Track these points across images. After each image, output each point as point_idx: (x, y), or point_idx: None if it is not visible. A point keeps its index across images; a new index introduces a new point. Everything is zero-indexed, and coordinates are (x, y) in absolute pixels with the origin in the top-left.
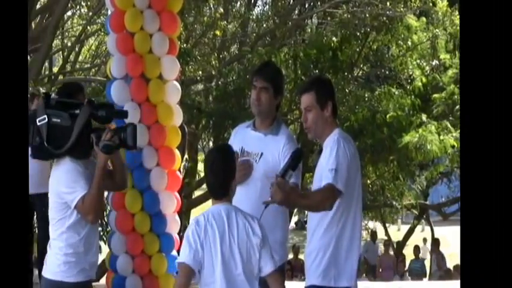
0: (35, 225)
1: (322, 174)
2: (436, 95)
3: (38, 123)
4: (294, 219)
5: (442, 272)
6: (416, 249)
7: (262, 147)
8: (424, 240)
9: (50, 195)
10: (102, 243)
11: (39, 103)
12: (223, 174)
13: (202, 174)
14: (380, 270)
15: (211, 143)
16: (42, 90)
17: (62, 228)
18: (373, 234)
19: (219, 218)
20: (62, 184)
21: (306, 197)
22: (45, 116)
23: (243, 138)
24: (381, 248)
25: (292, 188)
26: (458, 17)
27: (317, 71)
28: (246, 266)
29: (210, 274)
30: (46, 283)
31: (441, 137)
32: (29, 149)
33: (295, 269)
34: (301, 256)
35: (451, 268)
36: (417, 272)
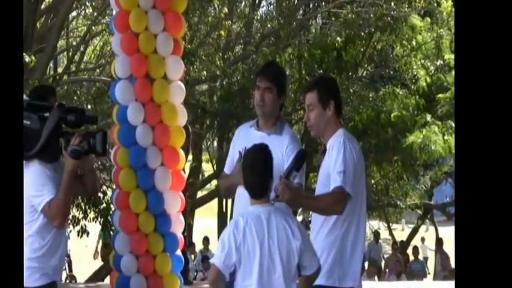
0: None
1: (330, 176)
2: (440, 95)
3: None
4: (299, 218)
5: (447, 272)
6: (416, 250)
7: None
8: (422, 239)
9: None
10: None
11: None
12: (264, 173)
13: (206, 175)
14: (387, 271)
15: (215, 143)
16: None
17: (28, 232)
18: (376, 234)
19: (259, 222)
20: (30, 187)
21: (316, 198)
22: None
23: (247, 138)
24: (386, 248)
25: (297, 188)
26: None
27: (321, 71)
28: (285, 269)
29: (246, 277)
30: None
31: (445, 137)
32: None
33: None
34: None
35: None
36: (418, 273)
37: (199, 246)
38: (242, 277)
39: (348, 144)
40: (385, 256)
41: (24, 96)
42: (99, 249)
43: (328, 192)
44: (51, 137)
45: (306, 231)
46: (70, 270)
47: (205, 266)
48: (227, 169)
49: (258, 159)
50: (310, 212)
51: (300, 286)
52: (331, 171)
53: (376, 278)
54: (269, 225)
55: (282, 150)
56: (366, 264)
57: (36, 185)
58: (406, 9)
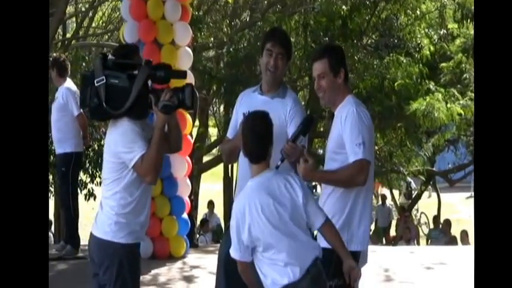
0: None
1: (347, 148)
2: (443, 64)
3: (96, 84)
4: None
5: (447, 238)
6: (436, 219)
7: (269, 110)
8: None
9: (106, 155)
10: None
11: (96, 64)
12: (265, 137)
13: (212, 139)
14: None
15: (222, 108)
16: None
17: (116, 188)
18: (383, 197)
19: (260, 193)
20: (119, 144)
21: (334, 172)
22: (103, 77)
23: (250, 103)
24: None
25: (313, 163)
26: None
27: (327, 38)
28: (301, 227)
29: (270, 249)
30: (96, 242)
31: (448, 105)
32: (86, 110)
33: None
34: None
35: (458, 234)
36: (437, 241)
37: (204, 210)
38: (266, 251)
39: (361, 113)
40: (393, 221)
41: (110, 56)
42: None
43: (347, 165)
44: (140, 94)
45: (308, 188)
46: None
47: (204, 229)
48: (230, 134)
49: (259, 124)
50: None
51: (326, 238)
52: (348, 142)
53: (383, 241)
54: (270, 190)
55: (286, 112)
56: (373, 226)
57: (127, 142)
58: None
